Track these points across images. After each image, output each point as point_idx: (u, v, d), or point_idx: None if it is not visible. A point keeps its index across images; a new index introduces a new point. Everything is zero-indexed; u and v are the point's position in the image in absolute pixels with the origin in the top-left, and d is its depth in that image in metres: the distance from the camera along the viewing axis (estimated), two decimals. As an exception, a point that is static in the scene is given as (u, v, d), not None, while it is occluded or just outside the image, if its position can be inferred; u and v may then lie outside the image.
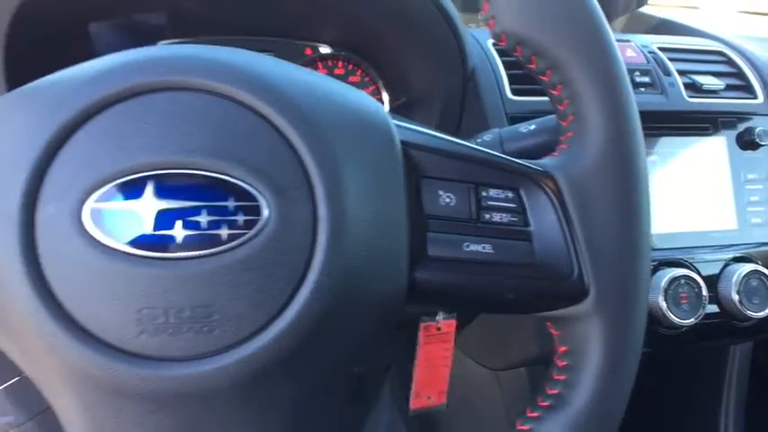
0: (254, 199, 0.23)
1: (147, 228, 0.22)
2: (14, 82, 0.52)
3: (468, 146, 0.29)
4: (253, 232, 0.23)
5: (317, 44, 0.67)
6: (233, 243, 0.23)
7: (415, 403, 0.39)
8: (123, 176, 0.23)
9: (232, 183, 0.23)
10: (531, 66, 0.30)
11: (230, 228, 0.23)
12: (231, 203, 0.23)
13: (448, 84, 0.58)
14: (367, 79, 0.66)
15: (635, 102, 0.29)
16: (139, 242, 0.22)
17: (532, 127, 0.40)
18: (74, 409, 0.24)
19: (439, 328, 0.47)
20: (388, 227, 0.26)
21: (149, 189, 0.23)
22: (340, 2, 0.58)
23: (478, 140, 0.41)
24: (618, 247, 0.28)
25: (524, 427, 0.28)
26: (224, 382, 0.23)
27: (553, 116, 0.40)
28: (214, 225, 0.23)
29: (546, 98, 0.59)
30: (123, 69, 0.24)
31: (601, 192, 0.28)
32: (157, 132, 0.23)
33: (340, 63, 0.66)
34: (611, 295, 0.28)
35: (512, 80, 0.59)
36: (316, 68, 0.65)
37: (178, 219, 0.22)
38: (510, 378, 0.64)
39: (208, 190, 0.23)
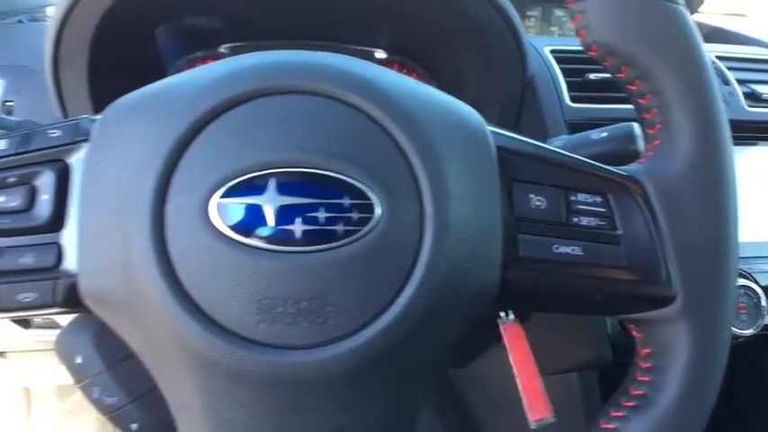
0: (367, 197, 0.24)
1: (270, 222, 0.24)
2: (95, 84, 0.55)
3: (558, 152, 0.30)
4: (366, 229, 0.24)
5: (373, 49, 0.68)
6: (348, 239, 0.24)
7: (533, 414, 0.39)
8: (247, 173, 0.24)
9: (347, 182, 0.24)
10: (619, 75, 0.31)
11: (345, 224, 0.24)
12: (347, 201, 0.24)
13: (505, 90, 0.59)
14: (422, 84, 0.67)
15: (725, 111, 0.29)
16: (262, 235, 0.24)
17: (604, 134, 0.41)
18: (190, 390, 0.25)
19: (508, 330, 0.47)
20: (485, 227, 0.27)
21: (271, 185, 0.24)
22: (400, 5, 0.60)
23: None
24: (707, 253, 0.28)
25: (610, 426, 0.29)
26: (335, 369, 0.24)
27: (626, 124, 0.40)
28: (331, 221, 0.24)
29: (604, 105, 0.60)
30: (245, 73, 0.25)
31: (691, 199, 0.29)
32: (278, 133, 0.25)
33: (395, 67, 0.68)
34: (700, 300, 0.28)
35: (570, 87, 0.60)
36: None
37: (298, 214, 0.24)
38: (558, 383, 0.64)
39: (325, 188, 0.24)
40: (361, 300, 0.24)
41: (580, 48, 0.66)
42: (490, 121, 0.62)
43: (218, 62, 0.27)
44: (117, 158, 0.25)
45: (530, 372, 0.45)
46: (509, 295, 0.28)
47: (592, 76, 0.60)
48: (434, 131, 0.26)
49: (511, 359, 0.46)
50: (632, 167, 0.31)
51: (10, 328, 0.66)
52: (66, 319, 0.64)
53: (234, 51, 0.71)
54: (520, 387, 0.45)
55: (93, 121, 0.28)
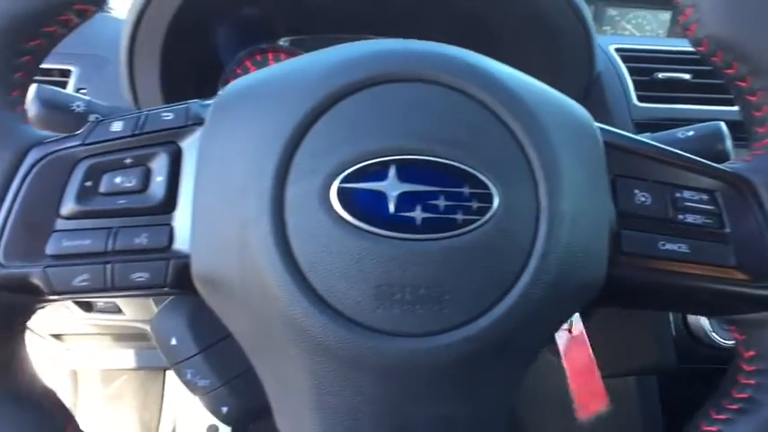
0: (486, 187, 0.24)
1: (391, 208, 0.24)
2: (166, 75, 0.56)
3: (664, 148, 0.30)
4: (484, 219, 0.24)
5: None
6: (467, 228, 0.24)
7: (582, 414, 0.40)
8: (368, 159, 0.24)
9: (466, 171, 0.24)
10: (728, 71, 0.30)
11: (464, 213, 0.24)
12: (466, 190, 0.24)
13: (573, 85, 0.59)
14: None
15: None
16: (383, 222, 0.24)
17: (691, 133, 0.40)
18: (297, 375, 0.25)
19: (570, 331, 0.47)
20: (594, 222, 0.27)
21: (392, 172, 0.24)
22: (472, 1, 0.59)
23: None
24: None
25: (712, 428, 0.29)
26: (449, 358, 0.24)
27: (712, 123, 0.40)
28: (450, 210, 0.24)
29: (673, 106, 0.59)
30: (367, 59, 0.25)
31: None
32: (398, 120, 0.25)
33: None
34: None
35: (637, 86, 0.59)
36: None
37: (418, 202, 0.24)
38: (616, 386, 0.63)
39: (445, 176, 0.24)
40: (477, 289, 0.24)
41: (646, 46, 0.65)
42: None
43: (336, 47, 0.27)
44: (234, 142, 0.26)
45: (582, 374, 0.45)
46: (612, 291, 0.28)
47: (660, 75, 0.59)
48: (549, 125, 0.26)
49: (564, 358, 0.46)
50: (739, 165, 0.30)
51: (71, 310, 0.67)
52: (127, 305, 0.65)
53: (293, 44, 0.71)
54: (571, 389, 0.45)
55: (204, 105, 0.28)
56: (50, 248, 0.26)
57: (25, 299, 0.27)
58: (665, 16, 0.96)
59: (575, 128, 0.27)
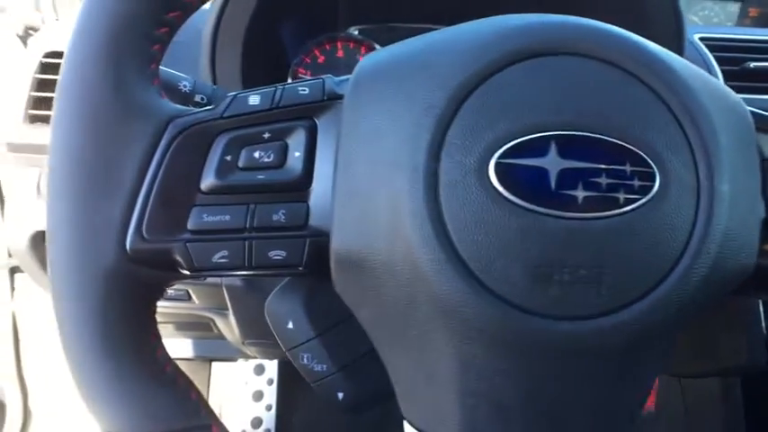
0: (648, 166, 0.23)
1: (552, 186, 0.23)
2: (246, 61, 0.56)
3: None
4: (646, 198, 0.23)
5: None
6: (628, 207, 0.23)
7: None
8: (528, 134, 0.23)
9: (628, 148, 0.23)
10: None
11: (626, 192, 0.23)
12: (628, 168, 0.23)
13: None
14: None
15: None
16: (543, 199, 0.23)
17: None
18: (445, 359, 0.24)
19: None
20: (749, 206, 0.25)
21: (553, 148, 0.23)
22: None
23: None
24: None
25: None
26: (605, 343, 0.23)
27: None
28: (613, 188, 0.23)
29: (765, 96, 0.57)
30: (520, 32, 0.24)
31: None
32: (557, 94, 0.24)
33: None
34: None
35: (727, 76, 0.57)
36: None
37: (580, 179, 0.23)
38: (696, 386, 0.61)
39: (606, 153, 0.23)
40: (637, 271, 0.23)
41: (733, 35, 0.62)
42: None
43: (485, 20, 0.26)
44: (381, 116, 0.25)
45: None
46: (757, 280, 0.27)
47: (752, 64, 0.57)
48: (707, 103, 0.25)
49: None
50: None
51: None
52: (198, 293, 0.65)
53: (362, 33, 0.71)
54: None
55: (340, 81, 0.27)
56: (191, 223, 0.25)
57: (161, 276, 0.26)
58: (734, 8, 0.93)
59: (729, 108, 0.26)
